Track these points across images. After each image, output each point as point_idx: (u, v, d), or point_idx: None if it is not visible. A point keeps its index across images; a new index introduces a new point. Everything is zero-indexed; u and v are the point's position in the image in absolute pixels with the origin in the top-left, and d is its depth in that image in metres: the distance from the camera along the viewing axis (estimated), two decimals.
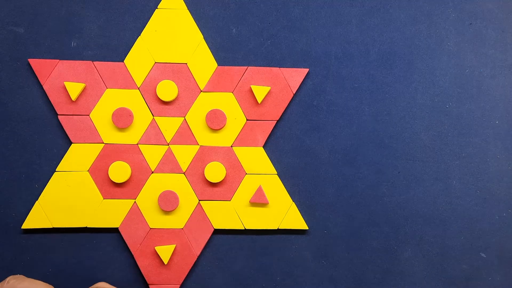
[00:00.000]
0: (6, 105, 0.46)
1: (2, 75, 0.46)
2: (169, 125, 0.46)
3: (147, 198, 0.46)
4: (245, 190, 0.46)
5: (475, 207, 0.47)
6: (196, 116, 0.46)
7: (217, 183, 0.46)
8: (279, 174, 0.47)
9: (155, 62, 0.46)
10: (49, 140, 0.46)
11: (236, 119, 0.46)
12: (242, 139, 0.47)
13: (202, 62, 0.47)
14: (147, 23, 0.47)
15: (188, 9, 0.47)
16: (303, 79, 0.47)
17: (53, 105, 0.46)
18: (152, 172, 0.46)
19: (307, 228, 0.47)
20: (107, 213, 0.45)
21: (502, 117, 0.48)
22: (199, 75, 0.47)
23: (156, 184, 0.46)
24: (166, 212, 0.46)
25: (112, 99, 0.46)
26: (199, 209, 0.46)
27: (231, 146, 0.47)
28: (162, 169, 0.46)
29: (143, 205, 0.46)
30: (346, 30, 0.48)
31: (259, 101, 0.46)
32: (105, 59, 0.47)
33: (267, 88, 0.46)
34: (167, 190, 0.46)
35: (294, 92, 0.47)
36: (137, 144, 0.46)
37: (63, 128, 0.46)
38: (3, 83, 0.46)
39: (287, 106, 0.47)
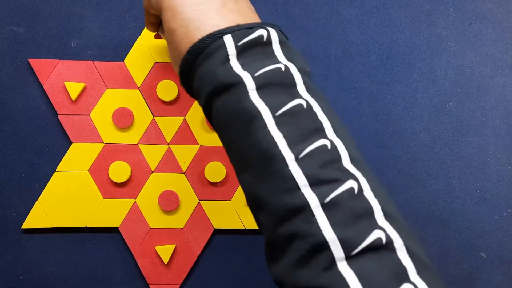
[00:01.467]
0: (6, 105, 0.46)
1: (2, 75, 0.46)
2: (169, 125, 0.46)
3: (147, 198, 0.46)
4: None
5: (475, 207, 0.47)
6: (196, 116, 0.46)
7: (217, 183, 0.46)
8: None
9: (155, 62, 0.46)
10: (49, 140, 0.46)
11: None
12: None
13: None
14: None
15: None
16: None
17: (53, 105, 0.46)
18: (152, 172, 0.46)
19: None
20: (107, 213, 0.45)
21: (502, 117, 0.48)
22: None
23: (156, 184, 0.46)
24: (166, 212, 0.46)
25: (112, 99, 0.46)
26: (199, 209, 0.46)
27: None
28: (162, 169, 0.46)
29: (143, 205, 0.46)
30: (346, 30, 0.48)
31: None
32: (105, 59, 0.47)
33: None
34: (167, 190, 0.46)
35: None
36: (137, 144, 0.46)
37: (63, 128, 0.46)
38: (3, 83, 0.46)
39: None
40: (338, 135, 0.28)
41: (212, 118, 0.31)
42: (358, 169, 0.27)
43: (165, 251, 0.45)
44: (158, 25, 0.39)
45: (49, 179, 0.45)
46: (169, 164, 0.46)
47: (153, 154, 0.46)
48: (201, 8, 0.31)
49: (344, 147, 0.28)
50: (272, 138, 0.27)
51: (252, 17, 0.32)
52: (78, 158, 0.45)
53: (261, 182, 0.27)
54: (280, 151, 0.26)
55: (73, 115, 0.46)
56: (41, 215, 0.45)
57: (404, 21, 0.48)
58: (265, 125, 0.27)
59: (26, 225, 0.45)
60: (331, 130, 0.28)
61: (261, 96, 0.28)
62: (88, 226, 0.45)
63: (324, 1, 0.48)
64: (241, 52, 0.29)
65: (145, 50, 0.46)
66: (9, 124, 0.46)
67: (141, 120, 0.46)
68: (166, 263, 0.45)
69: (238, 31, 0.29)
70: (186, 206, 0.46)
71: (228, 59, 0.29)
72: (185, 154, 0.46)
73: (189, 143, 0.46)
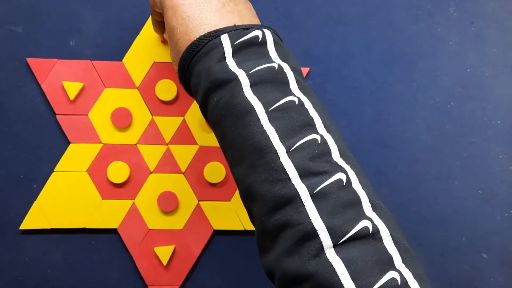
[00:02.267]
0: (4, 105, 0.46)
1: (0, 74, 0.46)
2: (168, 125, 0.46)
3: (146, 198, 0.45)
4: None
5: (476, 208, 0.47)
6: (196, 116, 0.46)
7: (216, 183, 0.46)
8: None
9: (154, 62, 0.46)
10: (47, 140, 0.46)
11: None
12: None
13: None
14: (145, 22, 0.46)
15: None
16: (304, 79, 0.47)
17: (51, 105, 0.46)
18: (151, 172, 0.46)
19: None
20: (106, 214, 0.45)
21: (504, 117, 0.48)
22: None
23: (155, 185, 0.45)
24: (165, 212, 0.45)
25: (110, 99, 0.46)
26: (198, 210, 0.46)
27: None
28: (161, 169, 0.46)
29: (142, 205, 0.45)
30: (347, 30, 0.48)
31: None
32: (104, 58, 0.46)
33: None
34: (166, 190, 0.45)
35: None
36: (136, 144, 0.46)
37: (61, 128, 0.46)
38: (1, 83, 0.46)
39: None
40: (328, 130, 0.29)
41: (208, 114, 0.32)
42: (347, 162, 0.28)
43: (164, 252, 0.45)
44: (163, 25, 0.40)
45: (47, 180, 0.45)
46: (168, 164, 0.46)
47: (152, 154, 0.46)
48: (201, 8, 0.32)
49: (334, 141, 0.29)
50: (265, 131, 0.28)
51: (250, 19, 0.33)
52: (76, 159, 0.45)
53: (254, 174, 0.28)
54: (272, 144, 0.28)
55: (71, 115, 0.45)
56: (39, 216, 0.45)
57: (405, 21, 0.48)
58: (258, 120, 0.28)
59: (24, 226, 0.45)
60: (322, 125, 0.29)
61: (255, 92, 0.29)
62: (86, 227, 0.45)
63: (325, 1, 0.48)
64: (237, 51, 0.30)
65: (144, 49, 0.46)
66: (7, 124, 0.46)
67: (140, 120, 0.46)
68: (165, 264, 0.45)
69: (234, 31, 0.31)
70: (185, 207, 0.46)
71: (224, 57, 0.30)
72: (184, 154, 0.46)
73: (188, 143, 0.46)
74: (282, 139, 0.28)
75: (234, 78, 0.29)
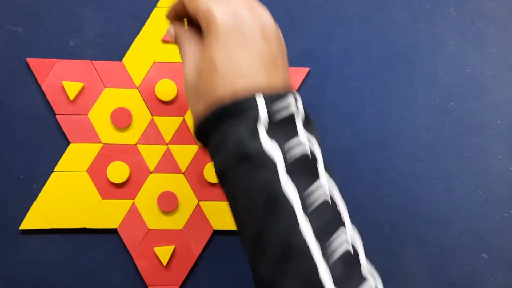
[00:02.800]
0: (4, 105, 0.46)
1: (0, 74, 0.46)
2: (168, 125, 0.46)
3: (146, 198, 0.45)
4: None
5: (476, 208, 0.47)
6: None
7: (216, 183, 0.46)
8: None
9: (154, 62, 0.46)
10: (47, 140, 0.46)
11: None
12: None
13: None
14: (145, 22, 0.46)
15: None
16: (304, 79, 0.47)
17: (51, 105, 0.46)
18: (151, 172, 0.46)
19: None
20: (106, 214, 0.45)
21: (504, 117, 0.48)
22: None
23: (155, 185, 0.45)
24: (165, 212, 0.45)
25: (110, 99, 0.46)
26: (198, 210, 0.46)
27: None
28: (161, 169, 0.46)
29: (142, 205, 0.45)
30: (347, 30, 0.48)
31: None
32: (104, 58, 0.46)
33: None
34: (166, 190, 0.45)
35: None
36: (135, 144, 0.46)
37: (61, 128, 0.46)
38: (1, 83, 0.46)
39: None
40: (352, 223, 0.29)
41: (230, 182, 0.29)
42: (374, 270, 0.28)
43: (164, 252, 0.45)
44: (180, 16, 0.35)
45: (47, 180, 0.45)
46: (168, 164, 0.46)
47: (152, 154, 0.46)
48: (255, 50, 0.29)
49: (360, 241, 0.29)
50: (301, 234, 0.26)
51: (288, 79, 0.31)
52: (76, 159, 0.45)
53: (285, 276, 0.27)
54: (308, 247, 0.26)
55: (71, 115, 0.45)
56: (39, 215, 0.45)
57: (405, 21, 0.48)
58: (295, 217, 0.27)
59: (24, 226, 0.45)
60: (349, 220, 0.29)
61: (292, 179, 0.27)
62: (86, 227, 0.45)
63: (325, 1, 0.48)
64: (271, 120, 0.28)
65: (144, 49, 0.46)
66: (7, 124, 0.46)
67: (140, 120, 0.46)
68: (165, 264, 0.45)
69: (270, 96, 0.28)
70: (185, 207, 0.46)
71: (257, 128, 0.28)
72: (184, 154, 0.46)
73: (188, 143, 0.46)
74: (319, 238, 0.26)
75: (270, 160, 0.27)
